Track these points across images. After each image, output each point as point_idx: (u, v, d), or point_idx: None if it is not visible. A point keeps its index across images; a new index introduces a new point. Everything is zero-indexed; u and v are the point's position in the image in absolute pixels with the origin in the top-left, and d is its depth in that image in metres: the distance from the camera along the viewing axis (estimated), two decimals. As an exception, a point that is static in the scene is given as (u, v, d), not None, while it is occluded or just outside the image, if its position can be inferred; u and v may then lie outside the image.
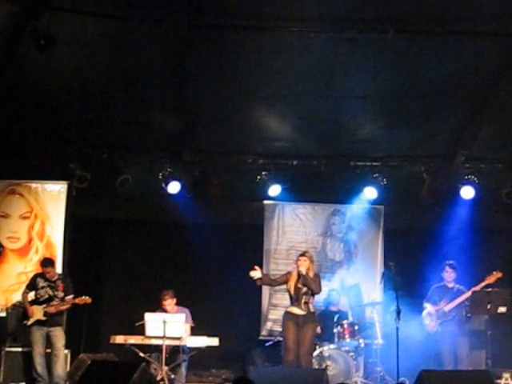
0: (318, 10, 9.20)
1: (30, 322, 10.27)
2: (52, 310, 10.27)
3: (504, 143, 11.90)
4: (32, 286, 10.48)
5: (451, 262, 11.01)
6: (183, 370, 10.66)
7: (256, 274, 10.07)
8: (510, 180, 12.23)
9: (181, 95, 10.78)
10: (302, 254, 10.33)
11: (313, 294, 10.16)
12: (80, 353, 11.03)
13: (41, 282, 10.43)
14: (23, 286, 10.80)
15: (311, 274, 10.10)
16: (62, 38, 9.16)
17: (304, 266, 10.07)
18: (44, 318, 10.26)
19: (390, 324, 10.29)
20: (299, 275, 10.10)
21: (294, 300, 10.15)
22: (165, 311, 10.76)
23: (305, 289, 10.08)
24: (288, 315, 10.18)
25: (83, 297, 10.35)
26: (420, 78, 10.41)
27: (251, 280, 10.15)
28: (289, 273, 10.44)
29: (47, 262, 10.57)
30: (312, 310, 10.18)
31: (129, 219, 13.48)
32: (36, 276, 10.62)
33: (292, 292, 10.18)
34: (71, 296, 10.45)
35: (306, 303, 10.08)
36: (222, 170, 12.61)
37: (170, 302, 10.91)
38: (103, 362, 10.15)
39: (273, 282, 10.78)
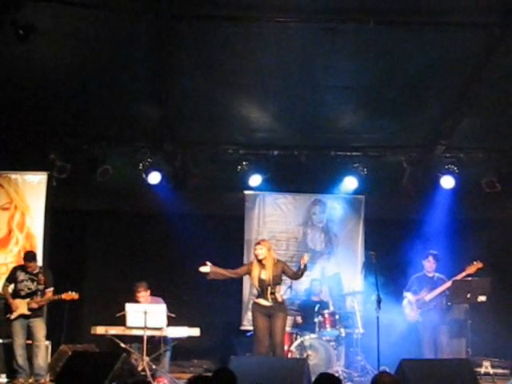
0: (299, 0, 9.20)
1: (13, 316, 10.21)
2: (34, 305, 10.24)
3: (484, 133, 11.95)
4: (12, 278, 10.42)
5: (435, 252, 10.98)
6: (167, 359, 10.65)
7: (205, 269, 9.88)
8: (490, 169, 12.30)
9: (161, 86, 10.74)
10: (258, 243, 10.12)
11: (279, 283, 9.96)
12: (61, 344, 11.03)
13: (21, 275, 10.38)
14: (3, 278, 10.75)
15: (270, 262, 9.86)
16: (41, 29, 9.05)
17: (262, 254, 9.87)
18: (28, 313, 10.23)
19: (370, 313, 10.32)
20: (260, 265, 9.89)
21: (260, 292, 9.95)
22: (138, 303, 10.67)
23: (269, 279, 9.82)
24: (255, 306, 10.01)
25: (70, 292, 10.31)
26: (400, 69, 10.43)
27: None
28: (250, 263, 10.25)
29: (30, 256, 10.50)
30: (279, 299, 9.94)
31: (109, 210, 13.45)
32: (16, 269, 10.57)
33: (256, 284, 9.97)
34: (51, 289, 10.42)
35: (273, 293, 9.84)
36: (203, 161, 12.60)
37: (143, 294, 10.81)
38: (84, 352, 10.18)
39: (233, 275, 10.20)
